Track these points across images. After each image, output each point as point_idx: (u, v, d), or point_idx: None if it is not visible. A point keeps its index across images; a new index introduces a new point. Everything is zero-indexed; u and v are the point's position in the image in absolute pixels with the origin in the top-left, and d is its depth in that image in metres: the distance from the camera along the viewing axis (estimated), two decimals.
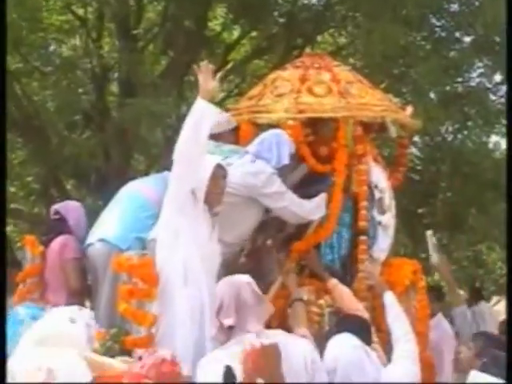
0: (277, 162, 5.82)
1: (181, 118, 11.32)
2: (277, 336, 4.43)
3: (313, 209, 5.94)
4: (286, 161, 5.85)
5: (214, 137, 6.09)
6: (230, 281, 4.72)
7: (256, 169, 5.77)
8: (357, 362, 4.72)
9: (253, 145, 5.95)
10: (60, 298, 5.62)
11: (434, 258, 7.46)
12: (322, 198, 6.00)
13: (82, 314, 4.89)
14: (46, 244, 5.93)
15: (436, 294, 8.47)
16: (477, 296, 11.36)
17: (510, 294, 2.27)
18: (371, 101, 6.42)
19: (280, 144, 5.87)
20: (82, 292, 5.84)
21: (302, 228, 6.09)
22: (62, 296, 5.66)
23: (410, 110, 6.85)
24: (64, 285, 5.76)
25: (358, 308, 5.62)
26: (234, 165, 5.76)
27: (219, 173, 5.33)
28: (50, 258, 5.85)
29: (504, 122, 14.65)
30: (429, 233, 7.57)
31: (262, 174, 5.74)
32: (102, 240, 5.73)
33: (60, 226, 6.05)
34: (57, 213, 6.16)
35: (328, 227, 6.15)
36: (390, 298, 5.52)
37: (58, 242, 5.88)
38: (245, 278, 4.75)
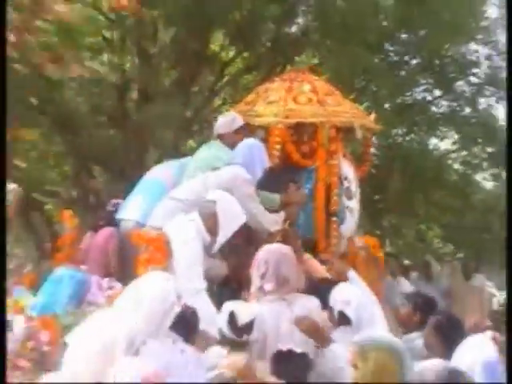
0: (253, 170, 5.71)
1: (187, 120, 11.44)
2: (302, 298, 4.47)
3: (273, 221, 5.65)
4: (260, 171, 5.74)
5: (219, 136, 6.04)
6: (272, 249, 4.64)
7: (235, 173, 5.60)
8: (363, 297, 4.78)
9: (237, 155, 5.82)
10: (96, 272, 5.48)
11: None
12: (280, 216, 5.74)
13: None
14: (97, 228, 5.81)
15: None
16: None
17: (510, 293, 2.13)
18: (343, 109, 6.44)
19: (256, 156, 5.78)
20: (115, 272, 5.69)
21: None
22: (98, 271, 5.50)
23: (373, 116, 6.82)
24: (102, 263, 5.60)
25: (326, 274, 5.53)
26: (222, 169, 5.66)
27: None
28: (97, 241, 5.71)
29: (443, 128, 14.72)
30: None
31: (240, 177, 5.57)
32: (130, 218, 5.68)
33: (112, 217, 5.92)
34: (115, 205, 6.04)
35: (319, 215, 6.12)
36: (352, 274, 5.42)
37: (106, 232, 5.73)
38: (284, 249, 4.67)
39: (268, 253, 4.60)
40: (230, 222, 5.12)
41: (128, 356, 3.27)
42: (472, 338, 4.55)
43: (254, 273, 4.52)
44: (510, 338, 1.96)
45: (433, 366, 3.32)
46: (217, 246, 5.11)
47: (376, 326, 4.76)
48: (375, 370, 3.42)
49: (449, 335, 4.60)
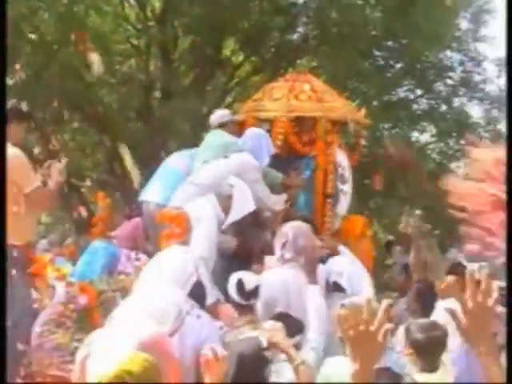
0: (260, 157, 5.65)
1: (202, 116, 11.43)
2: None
3: (276, 202, 5.60)
4: (267, 158, 5.68)
5: (220, 125, 5.99)
6: (292, 224, 4.66)
7: (243, 160, 5.53)
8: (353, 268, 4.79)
9: (244, 142, 5.73)
10: (125, 246, 5.47)
11: None
12: (283, 197, 5.69)
13: None
14: (130, 216, 5.80)
15: None
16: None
17: (510, 293, 2.10)
18: (338, 105, 6.37)
19: (264, 144, 5.74)
20: (142, 246, 5.66)
21: None
22: (127, 245, 5.49)
23: (363, 112, 6.77)
24: (132, 243, 5.59)
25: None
26: (232, 157, 5.59)
27: None
28: (128, 226, 5.69)
29: (423, 123, 14.67)
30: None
31: (248, 163, 5.52)
32: (152, 200, 5.63)
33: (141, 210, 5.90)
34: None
35: (317, 197, 6.10)
36: (342, 248, 5.40)
37: (135, 221, 5.70)
38: (302, 224, 4.69)
39: (288, 227, 4.63)
40: (242, 206, 5.12)
41: (176, 322, 3.19)
42: (444, 301, 4.55)
43: (276, 244, 4.55)
44: (510, 337, 1.93)
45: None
46: (226, 224, 5.10)
47: (364, 292, 4.77)
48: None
49: (427, 300, 4.61)
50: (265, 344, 3.48)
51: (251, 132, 5.79)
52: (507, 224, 2.64)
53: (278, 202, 5.60)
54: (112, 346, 2.95)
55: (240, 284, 4.09)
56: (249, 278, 4.14)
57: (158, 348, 2.58)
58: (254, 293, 4.08)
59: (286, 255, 4.44)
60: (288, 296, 4.20)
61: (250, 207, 5.14)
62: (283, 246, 4.48)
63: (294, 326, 3.84)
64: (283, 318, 3.98)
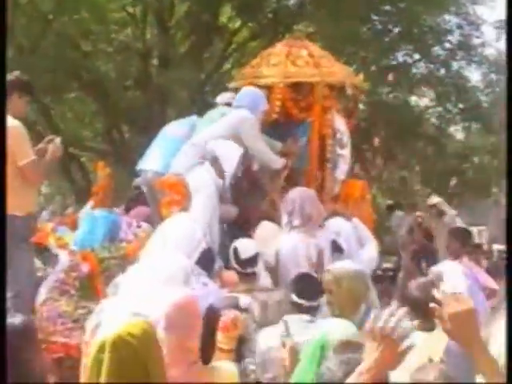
0: (256, 111, 5.61)
1: (200, 83, 11.40)
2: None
3: (276, 160, 5.56)
4: (262, 112, 5.65)
5: (227, 104, 5.97)
6: (298, 190, 4.71)
7: (241, 115, 5.49)
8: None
9: (239, 99, 5.68)
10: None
11: None
12: (282, 160, 5.64)
13: None
14: (129, 209, 5.74)
15: None
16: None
17: (510, 294, 2.12)
18: (335, 70, 6.34)
19: (258, 99, 5.72)
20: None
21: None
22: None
23: (361, 76, 6.75)
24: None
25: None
26: (229, 114, 5.61)
27: None
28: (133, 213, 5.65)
29: (422, 87, 14.63)
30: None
31: (246, 119, 5.47)
32: (151, 169, 5.63)
33: (138, 196, 5.83)
34: (137, 188, 6.00)
35: (313, 161, 6.11)
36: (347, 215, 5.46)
37: (140, 211, 5.63)
38: (308, 190, 4.74)
39: (294, 194, 4.68)
40: (230, 157, 5.16)
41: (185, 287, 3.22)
42: (444, 263, 4.62)
43: (283, 210, 4.59)
44: (510, 334, 1.95)
45: None
46: (227, 181, 5.13)
47: (365, 251, 4.85)
48: (347, 293, 3.61)
49: (422, 261, 4.69)
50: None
51: (246, 89, 5.78)
52: (507, 224, 2.68)
53: (277, 160, 5.59)
54: (119, 313, 3.01)
55: (236, 252, 4.13)
56: (245, 247, 4.18)
57: (190, 308, 2.67)
58: (251, 261, 4.13)
59: (294, 222, 4.51)
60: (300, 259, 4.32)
61: (237, 151, 5.17)
62: (290, 212, 4.54)
63: (315, 287, 3.90)
64: (305, 278, 4.03)
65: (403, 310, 1.96)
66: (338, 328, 2.84)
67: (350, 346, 2.13)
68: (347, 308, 3.56)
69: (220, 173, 5.09)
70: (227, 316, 3.29)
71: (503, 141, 3.87)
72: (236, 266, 4.20)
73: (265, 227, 4.82)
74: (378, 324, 1.93)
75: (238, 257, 4.19)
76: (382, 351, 1.91)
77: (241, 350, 3.57)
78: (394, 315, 1.94)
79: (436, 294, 2.03)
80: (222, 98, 6.14)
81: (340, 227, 4.80)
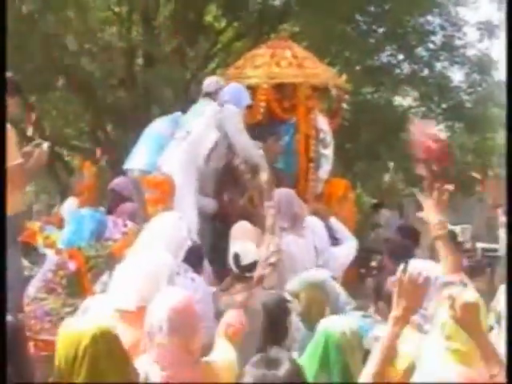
0: (239, 105, 5.71)
1: (185, 82, 11.42)
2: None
3: (260, 155, 5.65)
4: (246, 105, 5.79)
5: (207, 94, 6.01)
6: (283, 192, 4.77)
7: (226, 109, 5.62)
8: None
9: (223, 95, 5.79)
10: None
11: None
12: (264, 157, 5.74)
13: None
14: (111, 210, 5.70)
15: None
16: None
17: (510, 294, 2.38)
18: (319, 71, 6.46)
19: (241, 94, 5.79)
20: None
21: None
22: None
23: (344, 77, 6.85)
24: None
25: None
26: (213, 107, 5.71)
27: None
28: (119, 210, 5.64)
29: (406, 87, 14.72)
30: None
31: (229, 111, 5.60)
32: (136, 168, 5.70)
33: (116, 196, 5.79)
34: (112, 190, 5.92)
35: (301, 161, 6.19)
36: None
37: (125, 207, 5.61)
38: (291, 192, 4.79)
39: (280, 195, 4.72)
40: (201, 139, 5.36)
41: (169, 284, 3.26)
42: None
43: (268, 212, 4.60)
44: (510, 338, 2.17)
45: None
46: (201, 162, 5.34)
47: (342, 248, 4.96)
48: (307, 303, 3.78)
49: (400, 258, 4.76)
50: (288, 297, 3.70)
51: (230, 85, 5.88)
52: (507, 224, 2.83)
53: (260, 155, 5.67)
54: (103, 310, 3.08)
55: (237, 258, 4.19)
56: (247, 253, 4.23)
57: (189, 310, 2.73)
58: (251, 266, 4.20)
59: (283, 225, 4.57)
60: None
61: (214, 136, 5.30)
62: (277, 215, 4.59)
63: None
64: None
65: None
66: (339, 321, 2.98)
67: (267, 362, 2.08)
68: (311, 315, 3.69)
69: (198, 156, 5.28)
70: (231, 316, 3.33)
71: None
72: (236, 270, 4.26)
73: (240, 227, 4.81)
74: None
75: (239, 262, 4.23)
76: (408, 296, 2.41)
77: None
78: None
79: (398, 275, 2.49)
80: (208, 81, 6.09)
81: (314, 226, 4.89)
